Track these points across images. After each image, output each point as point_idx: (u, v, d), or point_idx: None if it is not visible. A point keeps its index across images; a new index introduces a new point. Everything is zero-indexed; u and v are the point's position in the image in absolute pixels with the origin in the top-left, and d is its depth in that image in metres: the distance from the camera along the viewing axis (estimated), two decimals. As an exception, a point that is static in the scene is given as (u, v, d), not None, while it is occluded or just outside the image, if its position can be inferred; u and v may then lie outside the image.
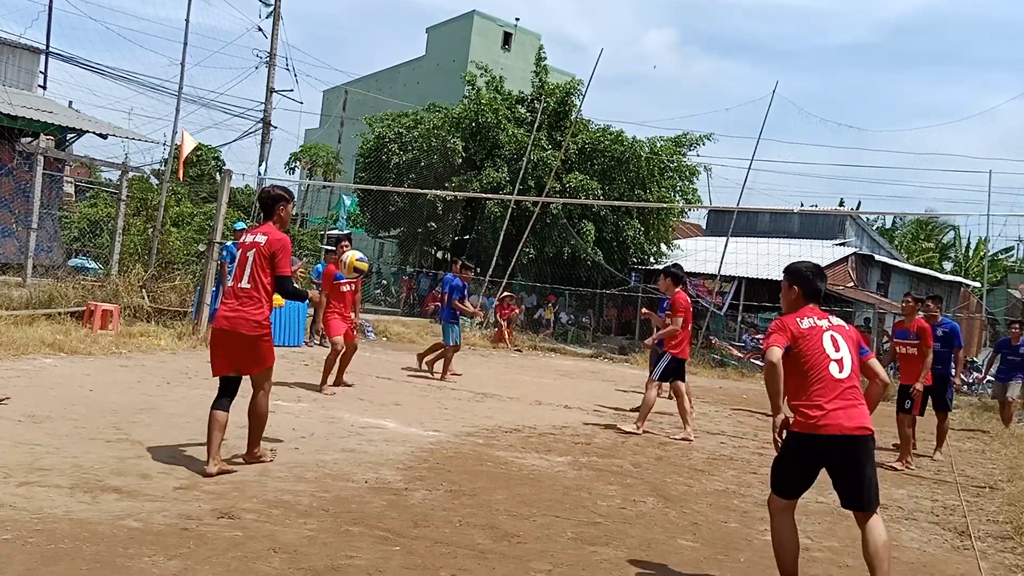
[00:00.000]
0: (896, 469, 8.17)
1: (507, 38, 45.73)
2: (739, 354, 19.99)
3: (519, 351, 18.83)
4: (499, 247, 22.29)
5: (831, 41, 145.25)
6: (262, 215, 5.75)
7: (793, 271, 4.41)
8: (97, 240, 18.33)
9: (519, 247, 22.30)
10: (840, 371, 4.07)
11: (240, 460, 5.65)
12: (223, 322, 5.42)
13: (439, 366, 11.91)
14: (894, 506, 6.58)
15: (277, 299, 5.50)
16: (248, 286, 5.44)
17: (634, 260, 25.61)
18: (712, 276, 22.72)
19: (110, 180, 27.02)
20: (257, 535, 4.19)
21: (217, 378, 5.54)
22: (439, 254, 28.68)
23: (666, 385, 9.87)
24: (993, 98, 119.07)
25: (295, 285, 5.91)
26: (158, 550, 3.83)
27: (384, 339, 17.44)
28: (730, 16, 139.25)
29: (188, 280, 14.40)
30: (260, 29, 25.27)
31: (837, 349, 4.12)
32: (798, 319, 4.20)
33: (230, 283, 5.58)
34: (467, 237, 25.21)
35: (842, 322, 4.31)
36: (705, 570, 4.48)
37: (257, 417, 5.58)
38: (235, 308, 5.41)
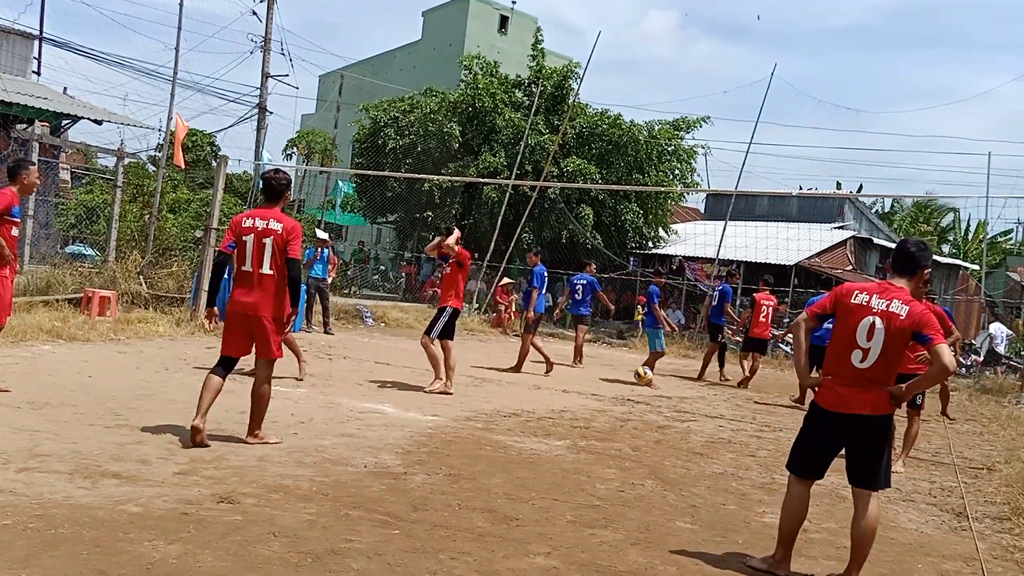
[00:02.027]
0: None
1: (503, 21, 45.43)
2: (739, 338, 20.00)
3: (518, 336, 18.82)
4: (497, 232, 22.26)
5: (829, 23, 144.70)
6: (266, 198, 5.85)
7: (897, 243, 4.43)
8: (94, 227, 18.27)
9: (517, 232, 22.26)
10: (862, 361, 4.03)
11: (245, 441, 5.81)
12: (244, 307, 5.63)
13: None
14: (892, 487, 6.60)
15: None
16: (271, 272, 5.62)
17: (632, 244, 25.58)
18: (711, 260, 22.70)
19: (106, 166, 26.92)
20: (257, 519, 4.20)
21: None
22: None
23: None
24: (992, 80, 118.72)
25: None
26: (158, 535, 3.83)
27: (382, 324, 17.44)
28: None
29: (185, 266, 14.38)
30: (254, 13, 25.04)
31: (870, 338, 4.02)
32: (857, 291, 4.15)
33: (246, 268, 5.66)
34: (465, 222, 25.17)
35: (904, 308, 4.02)
36: (704, 552, 4.49)
37: (261, 398, 5.78)
38: (259, 294, 5.61)
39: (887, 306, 4.04)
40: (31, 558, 3.43)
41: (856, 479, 4.21)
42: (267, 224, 5.65)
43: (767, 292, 13.29)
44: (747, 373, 13.00)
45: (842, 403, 4.09)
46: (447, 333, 9.01)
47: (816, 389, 4.28)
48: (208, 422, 5.60)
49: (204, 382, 5.65)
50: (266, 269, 5.62)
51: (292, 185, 6.02)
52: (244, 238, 5.67)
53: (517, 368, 11.87)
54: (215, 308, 6.00)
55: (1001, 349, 20.03)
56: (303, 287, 14.48)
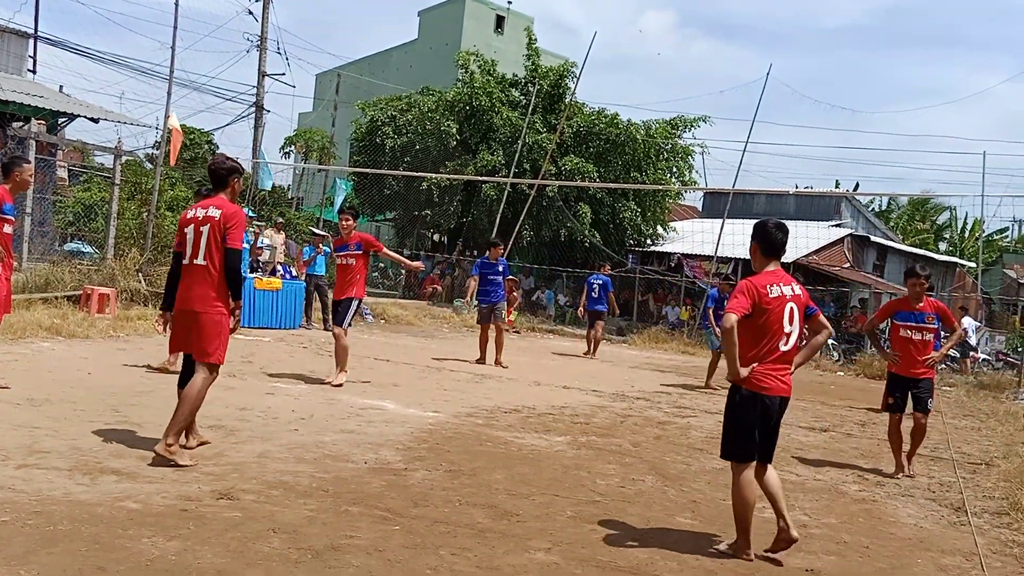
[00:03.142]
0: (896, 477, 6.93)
1: (500, 21, 45.42)
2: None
3: (517, 332, 18.83)
4: (495, 230, 22.26)
5: (825, 23, 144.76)
6: (212, 187, 5.49)
7: (755, 227, 4.60)
8: (92, 224, 18.26)
9: (516, 230, 22.27)
10: (786, 344, 4.40)
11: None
12: (180, 301, 5.24)
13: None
14: (891, 483, 6.62)
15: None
16: (204, 263, 5.17)
17: (631, 242, 25.59)
18: (709, 258, 22.70)
19: (103, 164, 26.87)
20: (257, 516, 4.19)
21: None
22: (436, 237, 28.63)
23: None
24: (987, 79, 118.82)
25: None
26: (157, 531, 3.82)
27: (382, 321, 17.43)
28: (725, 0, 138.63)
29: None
30: (250, 12, 25.11)
31: (791, 322, 4.40)
32: (768, 285, 4.39)
33: (186, 260, 5.26)
34: (464, 220, 25.17)
35: (798, 289, 4.49)
36: (704, 547, 4.49)
37: (185, 400, 5.09)
38: (192, 287, 5.19)
39: (793, 290, 4.45)
40: (30, 555, 3.42)
41: (767, 456, 4.45)
42: (207, 212, 5.23)
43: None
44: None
45: (779, 388, 4.38)
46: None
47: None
48: (198, 427, 5.42)
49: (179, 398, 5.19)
50: (200, 259, 5.17)
51: (243, 171, 5.56)
52: (185, 230, 5.28)
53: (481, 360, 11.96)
54: (169, 312, 5.44)
55: (972, 340, 20.09)
56: (302, 284, 14.67)
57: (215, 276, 5.17)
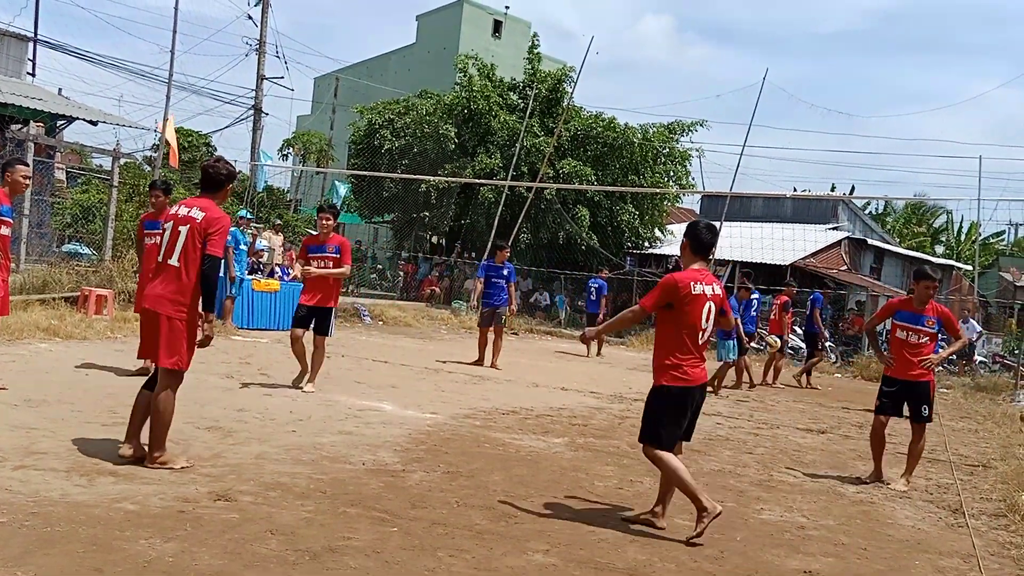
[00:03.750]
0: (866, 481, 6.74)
1: (497, 26, 45.42)
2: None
3: (515, 334, 18.83)
4: (493, 232, 22.26)
5: (821, 28, 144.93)
6: (202, 188, 5.21)
7: (688, 226, 4.89)
8: (90, 226, 18.23)
9: (514, 232, 22.27)
10: (701, 339, 4.73)
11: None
12: (145, 300, 5.04)
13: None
14: (888, 485, 6.61)
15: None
16: (177, 264, 4.92)
17: (629, 244, 25.63)
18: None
19: (101, 166, 26.87)
20: (254, 517, 4.19)
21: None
22: (434, 239, 28.65)
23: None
24: (982, 84, 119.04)
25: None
26: (155, 532, 3.82)
27: (380, 323, 17.42)
28: (722, 3, 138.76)
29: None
30: (249, 16, 25.14)
31: (707, 320, 4.72)
32: (692, 283, 4.66)
33: (160, 258, 5.04)
34: (462, 222, 25.18)
35: (718, 289, 4.81)
36: (702, 549, 4.49)
37: (156, 414, 4.93)
38: (160, 285, 4.94)
39: (714, 290, 4.75)
40: (27, 556, 3.41)
41: (687, 436, 4.92)
42: (189, 212, 4.98)
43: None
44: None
45: (699, 377, 4.73)
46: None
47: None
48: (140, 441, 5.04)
49: (135, 400, 5.05)
50: (173, 260, 4.91)
51: (235, 178, 5.34)
52: (165, 226, 5.06)
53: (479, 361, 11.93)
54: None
55: (977, 344, 20.16)
56: (299, 286, 14.61)
57: (187, 280, 4.91)
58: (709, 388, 11.32)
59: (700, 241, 4.81)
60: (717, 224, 22.34)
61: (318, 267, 8.14)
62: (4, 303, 6.77)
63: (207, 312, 4.99)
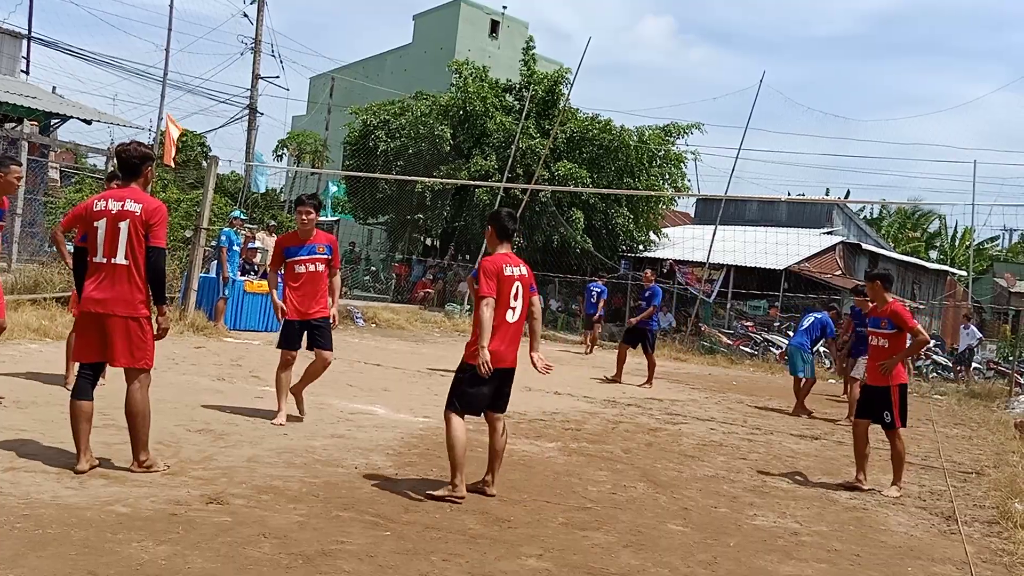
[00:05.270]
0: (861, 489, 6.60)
1: (494, 26, 45.43)
2: (728, 341, 20.06)
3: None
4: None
5: (817, 31, 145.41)
6: (123, 176, 4.92)
7: (490, 215, 5.37)
8: (83, 226, 18.19)
9: (509, 235, 22.25)
10: (512, 316, 5.12)
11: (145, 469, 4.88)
12: (94, 304, 4.73)
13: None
14: (881, 492, 6.61)
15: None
16: (125, 262, 4.71)
17: (623, 248, 25.63)
18: (701, 264, 22.75)
19: (95, 166, 26.78)
20: (247, 520, 4.17)
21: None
22: (428, 241, 28.62)
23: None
24: (977, 88, 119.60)
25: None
26: (147, 535, 3.80)
27: (373, 325, 17.39)
28: (721, 6, 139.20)
29: (175, 266, 14.29)
30: (245, 15, 25.14)
31: (516, 298, 5.12)
32: (504, 266, 5.08)
33: (98, 259, 4.77)
34: (456, 224, 25.16)
35: (524, 269, 5.22)
36: (695, 555, 4.49)
37: (136, 416, 4.80)
38: (110, 287, 4.71)
39: (520, 271, 5.17)
40: (18, 558, 3.39)
41: (498, 407, 5.22)
42: (122, 205, 4.72)
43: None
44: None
45: (506, 360, 5.09)
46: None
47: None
48: (94, 453, 4.86)
49: (73, 413, 4.76)
50: (120, 259, 4.70)
51: (155, 158, 5.21)
52: (96, 224, 4.75)
53: None
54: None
55: (975, 351, 20.21)
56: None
57: (137, 276, 4.75)
58: (795, 413, 10.78)
59: (503, 227, 5.24)
60: (711, 227, 22.52)
61: (305, 271, 6.77)
62: (1, 307, 6.40)
63: (160, 306, 4.89)
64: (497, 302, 5.02)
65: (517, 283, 5.13)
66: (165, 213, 4.90)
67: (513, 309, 5.12)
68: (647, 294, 12.65)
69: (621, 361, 12.59)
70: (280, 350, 6.82)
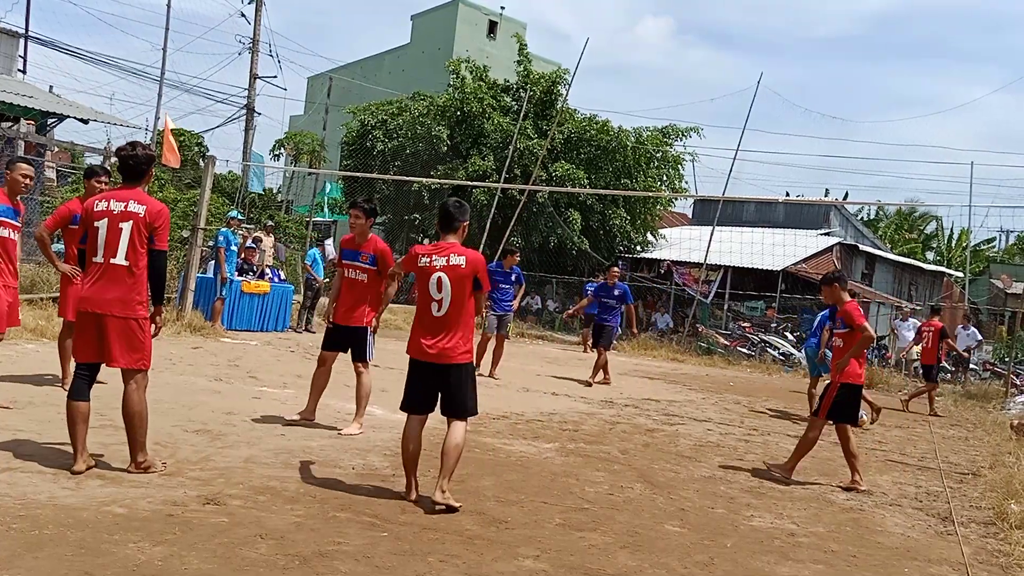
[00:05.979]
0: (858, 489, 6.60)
1: (492, 26, 45.42)
2: (725, 342, 20.08)
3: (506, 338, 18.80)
4: (485, 236, 22.25)
5: (815, 33, 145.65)
6: (124, 179, 4.90)
7: (440, 205, 5.11)
8: (79, 226, 18.15)
9: (506, 235, 22.28)
10: (438, 310, 4.83)
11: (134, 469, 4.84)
12: (91, 304, 4.72)
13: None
14: (878, 491, 6.63)
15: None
16: (125, 263, 4.70)
17: (620, 248, 25.64)
18: (698, 265, 22.78)
19: (92, 165, 26.71)
20: (243, 521, 4.17)
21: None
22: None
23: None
24: (974, 90, 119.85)
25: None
26: (143, 536, 3.79)
27: (370, 327, 17.36)
28: (720, 7, 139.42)
29: (172, 266, 14.28)
30: (243, 15, 25.17)
31: (440, 290, 4.81)
32: (422, 255, 4.89)
33: (97, 259, 4.77)
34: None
35: (457, 260, 4.82)
36: (692, 555, 4.49)
37: (133, 417, 4.79)
38: (108, 288, 4.70)
39: (448, 261, 4.82)
40: (15, 559, 3.38)
41: (448, 411, 4.93)
42: (125, 207, 4.72)
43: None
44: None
45: (426, 355, 4.88)
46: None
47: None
48: (90, 455, 4.84)
49: (70, 414, 4.74)
50: (120, 259, 4.68)
51: (154, 160, 5.07)
52: (96, 224, 4.74)
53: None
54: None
55: (972, 354, 20.17)
56: (290, 288, 14.61)
57: (137, 278, 4.74)
58: (867, 418, 10.44)
59: (444, 216, 4.98)
60: (709, 228, 22.53)
61: (347, 277, 6.73)
62: (13, 312, 6.34)
63: (157, 305, 4.91)
64: (418, 292, 4.93)
65: (439, 274, 4.80)
66: (168, 216, 4.92)
67: (438, 302, 4.82)
68: (617, 293, 12.06)
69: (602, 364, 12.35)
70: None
